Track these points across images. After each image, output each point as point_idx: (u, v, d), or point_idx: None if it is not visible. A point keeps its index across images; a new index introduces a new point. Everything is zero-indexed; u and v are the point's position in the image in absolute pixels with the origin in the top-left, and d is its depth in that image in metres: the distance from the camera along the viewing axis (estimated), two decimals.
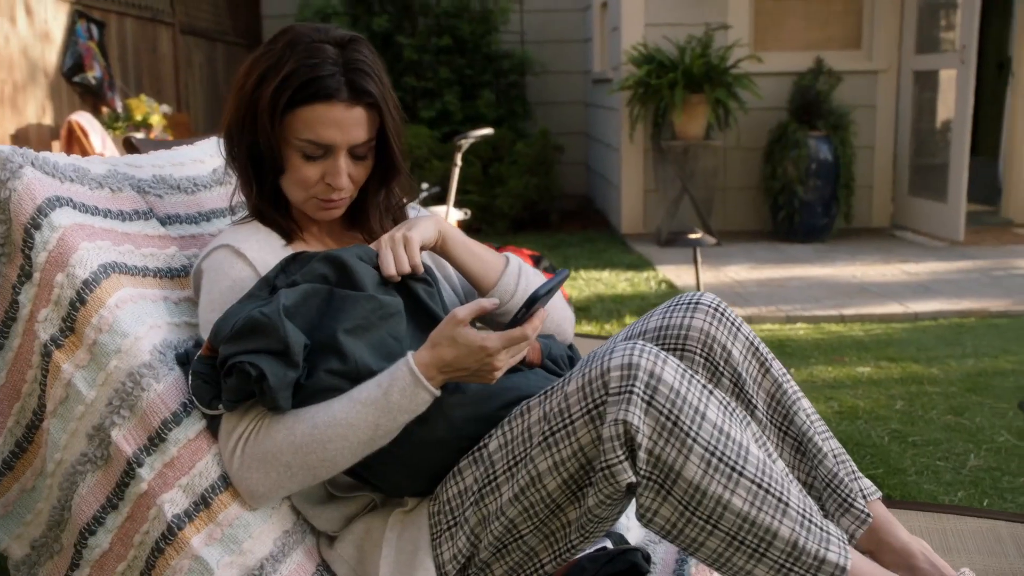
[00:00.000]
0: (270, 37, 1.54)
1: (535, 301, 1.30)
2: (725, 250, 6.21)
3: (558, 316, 1.69)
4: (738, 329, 1.53)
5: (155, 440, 1.33)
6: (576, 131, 8.69)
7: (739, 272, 5.49)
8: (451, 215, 5.00)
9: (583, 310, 4.68)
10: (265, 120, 1.44)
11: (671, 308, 1.55)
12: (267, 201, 1.53)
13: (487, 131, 5.03)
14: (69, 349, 1.34)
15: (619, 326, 4.36)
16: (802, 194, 6.28)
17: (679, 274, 5.41)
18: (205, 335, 1.40)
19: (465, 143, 4.85)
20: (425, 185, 5.33)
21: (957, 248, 6.09)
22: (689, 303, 1.54)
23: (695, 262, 4.35)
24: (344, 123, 1.45)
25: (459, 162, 4.85)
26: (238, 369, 1.27)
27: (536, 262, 4.12)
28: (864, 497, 1.50)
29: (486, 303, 1.35)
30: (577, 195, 8.67)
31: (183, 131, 5.65)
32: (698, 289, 4.37)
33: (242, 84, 1.49)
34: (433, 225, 1.57)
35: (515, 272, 1.63)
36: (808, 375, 3.59)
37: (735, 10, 6.55)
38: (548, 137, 7.32)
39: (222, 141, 1.54)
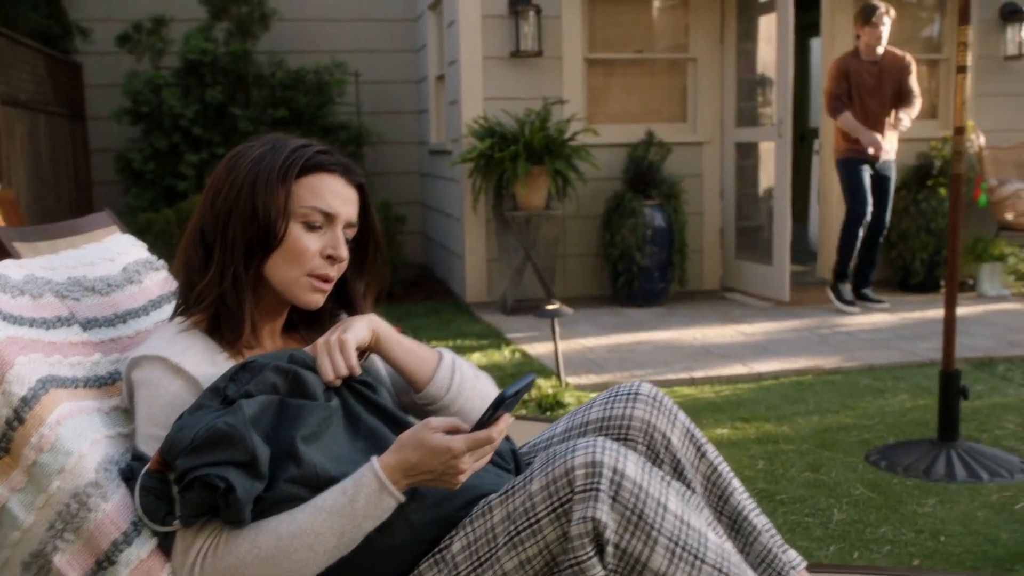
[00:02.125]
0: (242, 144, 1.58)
1: (500, 404, 1.33)
2: (570, 317, 6.36)
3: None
4: (675, 416, 1.61)
5: (104, 563, 1.27)
6: (413, 200, 8.76)
7: (588, 339, 5.65)
8: None
9: None
10: (270, 190, 1.45)
11: (612, 399, 1.62)
12: (240, 292, 1.49)
13: None
14: (2, 472, 1.26)
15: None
16: (640, 260, 6.55)
17: (531, 343, 5.51)
18: (145, 448, 1.35)
19: None
20: None
21: (784, 308, 6.49)
22: (629, 394, 1.61)
23: (553, 332, 4.48)
24: (345, 196, 1.54)
25: None
26: (202, 482, 1.23)
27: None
28: (793, 568, 1.59)
29: (461, 424, 1.37)
30: (415, 264, 8.71)
31: (10, 210, 5.35)
32: (556, 359, 4.49)
33: (230, 169, 1.51)
34: (366, 325, 1.58)
35: (449, 367, 1.65)
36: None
37: (569, 85, 6.81)
38: (389, 209, 7.35)
39: (198, 232, 1.51)
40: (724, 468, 1.62)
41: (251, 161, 1.50)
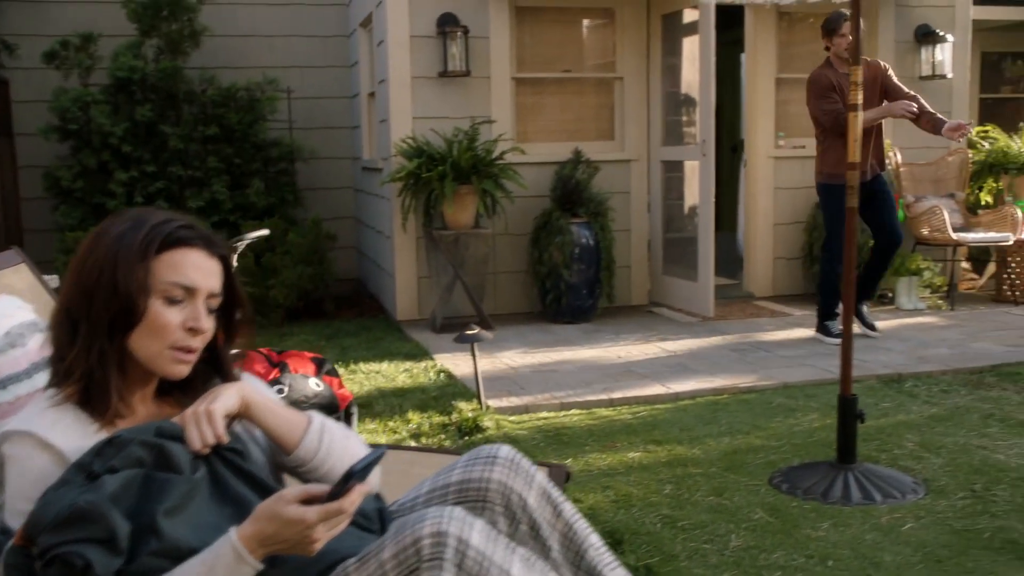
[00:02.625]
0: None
1: (351, 477, 1.40)
2: (499, 334, 6.46)
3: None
4: (533, 478, 1.69)
5: None
6: (347, 216, 8.79)
7: (513, 358, 5.73)
8: None
9: (365, 406, 4.75)
10: (130, 267, 1.51)
11: (472, 462, 1.70)
12: (106, 366, 1.54)
13: (263, 232, 5.07)
14: None
15: (402, 423, 4.45)
16: (567, 277, 6.65)
17: (456, 363, 5.57)
18: (12, 522, 1.39)
19: (241, 245, 4.86)
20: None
21: (708, 324, 6.63)
22: (488, 457, 1.69)
23: (473, 356, 4.55)
24: (205, 268, 1.60)
25: (235, 263, 4.84)
26: (61, 559, 1.29)
27: (319, 366, 4.15)
28: None
29: (315, 489, 1.43)
30: (350, 279, 8.74)
31: None
32: (477, 383, 4.56)
33: (93, 247, 1.58)
34: (235, 393, 1.64)
35: (317, 431, 1.72)
36: (585, 464, 3.82)
37: (498, 105, 6.89)
38: (320, 226, 7.37)
39: (65, 308, 1.57)
40: (580, 525, 1.70)
41: (113, 238, 1.56)
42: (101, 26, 7.78)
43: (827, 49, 5.79)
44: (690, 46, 6.87)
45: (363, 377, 5.40)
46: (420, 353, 5.95)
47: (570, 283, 6.68)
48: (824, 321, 5.94)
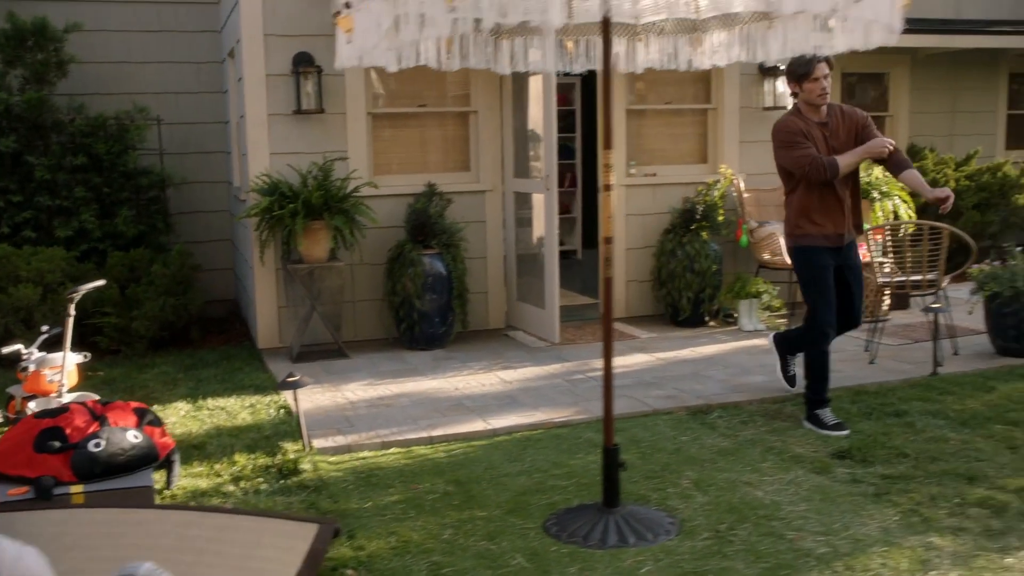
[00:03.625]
0: None
1: None
2: (353, 363, 6.73)
3: None
4: None
5: None
6: (224, 238, 8.96)
7: (356, 390, 6.00)
8: (69, 359, 5.17)
9: (199, 447, 4.99)
10: None
11: None
12: None
13: (100, 283, 5.28)
14: None
15: (228, 465, 4.70)
16: (420, 306, 6.94)
17: (308, 396, 5.81)
18: None
19: (77, 295, 5.06)
20: (45, 328, 5.41)
21: (554, 349, 6.99)
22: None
23: (295, 402, 4.83)
24: None
25: (72, 312, 5.05)
26: None
27: (140, 417, 4.37)
28: None
29: None
30: (227, 300, 8.92)
31: None
32: (300, 426, 4.83)
33: None
34: None
35: None
36: (381, 508, 4.11)
37: (354, 140, 7.14)
38: (185, 257, 7.54)
39: None
40: None
41: None
42: None
43: (794, 95, 5.07)
44: (535, 85, 7.19)
45: (207, 414, 5.62)
46: (269, 387, 6.19)
47: (422, 312, 6.97)
48: (814, 410, 5.09)
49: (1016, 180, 10.42)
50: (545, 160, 6.92)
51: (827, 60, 4.85)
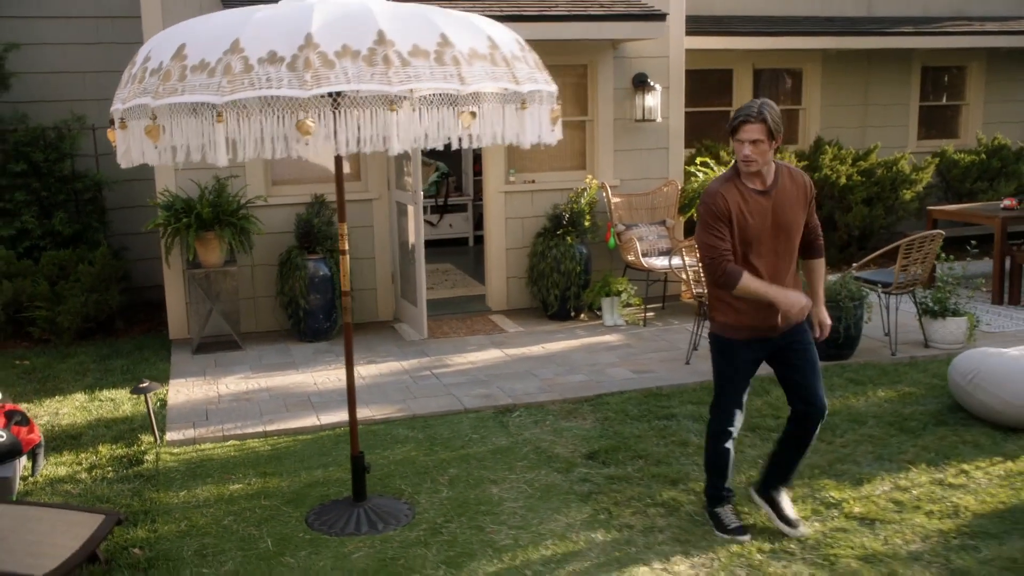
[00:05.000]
0: None
1: None
2: (244, 355, 7.74)
3: None
4: None
5: None
6: None
7: (230, 384, 7.01)
8: None
9: (75, 437, 6.01)
10: None
11: None
12: None
13: None
14: None
15: (91, 454, 5.71)
16: (305, 305, 7.91)
17: (187, 388, 6.84)
18: None
19: None
20: None
21: (423, 343, 7.94)
22: None
23: (147, 404, 5.82)
24: None
25: None
26: None
27: (9, 418, 5.39)
28: None
29: None
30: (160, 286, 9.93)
31: None
32: (151, 423, 5.82)
33: None
34: None
35: None
36: (188, 496, 5.10)
37: None
38: (108, 260, 8.53)
39: None
40: None
41: None
42: None
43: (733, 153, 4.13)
44: None
45: (96, 405, 6.65)
46: (163, 378, 7.20)
47: (308, 310, 7.95)
48: (713, 507, 4.51)
49: (907, 176, 11.13)
50: (414, 175, 7.82)
51: (765, 120, 3.94)
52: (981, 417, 5.88)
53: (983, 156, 11.93)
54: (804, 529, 4.44)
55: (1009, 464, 5.25)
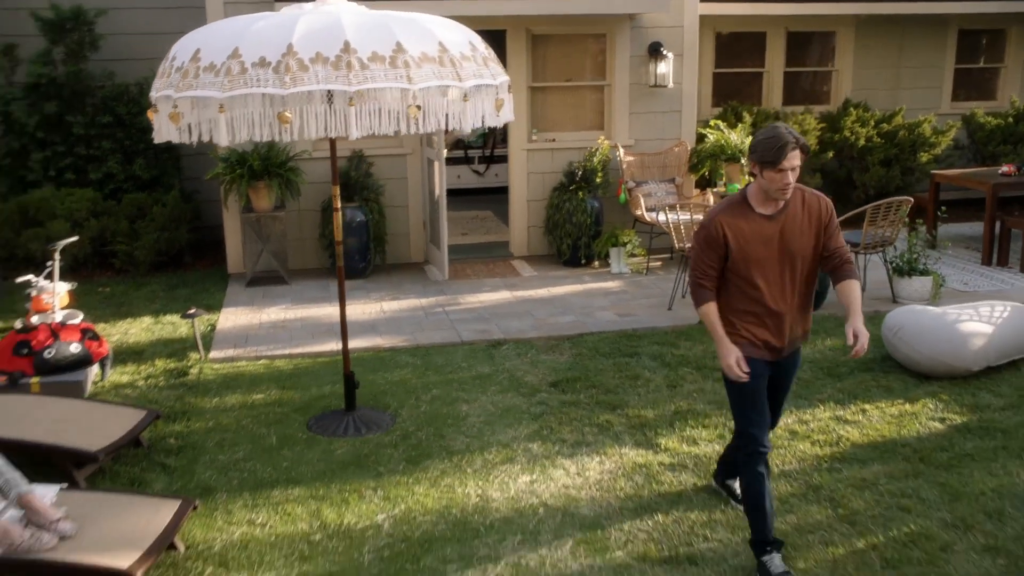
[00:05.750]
0: None
1: None
2: (289, 288, 8.95)
3: None
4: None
5: None
6: None
7: (272, 313, 8.22)
8: (59, 287, 7.51)
9: (138, 352, 7.30)
10: None
11: None
12: None
13: (73, 239, 7.57)
14: None
15: (149, 367, 6.98)
16: (343, 246, 9.05)
17: (235, 316, 8.08)
18: None
19: (57, 248, 7.36)
20: (48, 263, 7.74)
21: (444, 284, 9.03)
22: None
23: (193, 328, 7.05)
24: None
25: (57, 257, 7.36)
26: None
27: (83, 334, 6.67)
28: None
29: None
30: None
31: None
32: (197, 343, 7.05)
33: None
34: None
35: None
36: (219, 403, 6.31)
37: None
38: (179, 200, 9.80)
39: None
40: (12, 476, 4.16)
41: None
42: (24, 30, 10.11)
43: (752, 176, 4.04)
44: None
45: (159, 327, 7.94)
46: (216, 306, 8.47)
47: (346, 250, 9.09)
48: (760, 556, 4.17)
49: (928, 139, 11.65)
50: (437, 136, 8.83)
51: (802, 145, 3.92)
52: (904, 367, 6.69)
53: (1010, 120, 12.31)
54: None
55: (907, 406, 6.09)
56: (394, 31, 4.80)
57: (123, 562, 3.92)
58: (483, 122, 5.12)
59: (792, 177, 3.92)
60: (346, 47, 4.65)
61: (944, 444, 5.50)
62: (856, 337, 3.96)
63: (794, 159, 3.89)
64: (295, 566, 4.33)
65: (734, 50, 12.06)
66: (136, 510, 4.39)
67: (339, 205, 5.74)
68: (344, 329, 5.96)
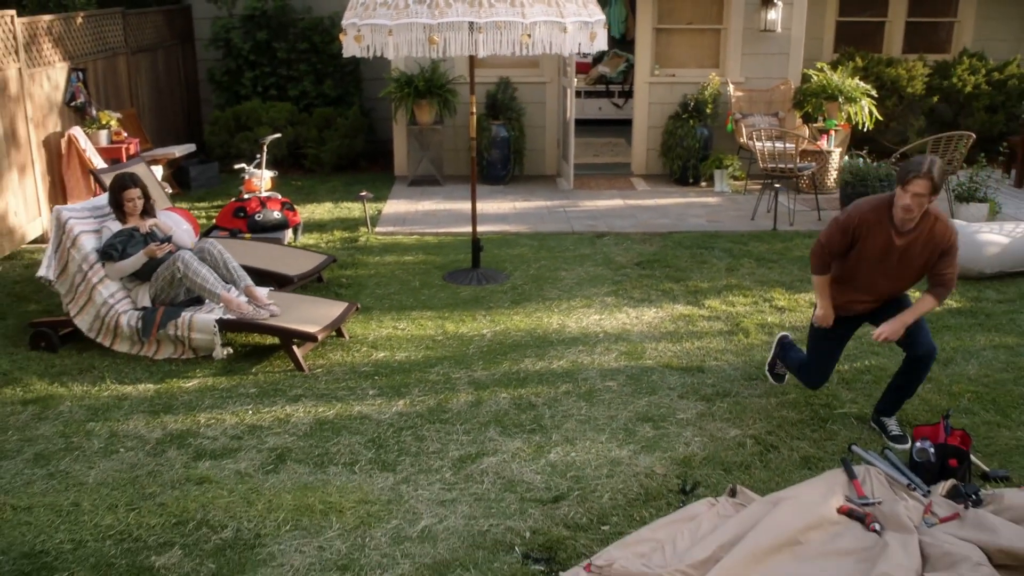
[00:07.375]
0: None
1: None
2: (442, 189, 10.95)
3: None
4: (220, 249, 6.29)
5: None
6: None
7: (426, 205, 10.23)
8: (264, 174, 9.74)
9: (321, 225, 9.44)
10: None
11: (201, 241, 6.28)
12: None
13: (277, 135, 9.76)
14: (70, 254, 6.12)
15: (329, 235, 9.10)
16: (488, 157, 10.97)
17: (397, 205, 10.15)
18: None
19: (266, 141, 9.56)
20: (257, 156, 9.98)
21: (570, 191, 10.81)
22: (204, 241, 6.28)
23: (364, 207, 9.14)
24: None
25: (265, 151, 9.57)
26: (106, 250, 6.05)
27: (282, 205, 8.82)
28: None
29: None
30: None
31: (131, 121, 10.33)
32: (366, 220, 9.14)
33: None
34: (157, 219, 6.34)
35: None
36: (384, 258, 8.34)
37: None
38: (357, 115, 11.92)
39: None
40: (233, 265, 6.26)
41: None
42: None
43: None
44: None
45: (339, 210, 10.08)
46: (383, 199, 10.55)
47: (490, 161, 11.00)
48: (774, 369, 5.60)
49: None
50: (569, 67, 10.57)
51: (931, 178, 4.34)
52: None
53: None
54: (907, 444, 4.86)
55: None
56: None
57: (311, 328, 5.96)
58: (579, 48, 6.84)
59: (913, 202, 4.38)
60: None
61: (931, 318, 6.94)
62: (884, 330, 4.64)
63: (917, 187, 4.35)
64: (422, 352, 6.29)
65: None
66: (318, 305, 6.45)
67: (474, 110, 7.59)
68: (474, 203, 7.85)
